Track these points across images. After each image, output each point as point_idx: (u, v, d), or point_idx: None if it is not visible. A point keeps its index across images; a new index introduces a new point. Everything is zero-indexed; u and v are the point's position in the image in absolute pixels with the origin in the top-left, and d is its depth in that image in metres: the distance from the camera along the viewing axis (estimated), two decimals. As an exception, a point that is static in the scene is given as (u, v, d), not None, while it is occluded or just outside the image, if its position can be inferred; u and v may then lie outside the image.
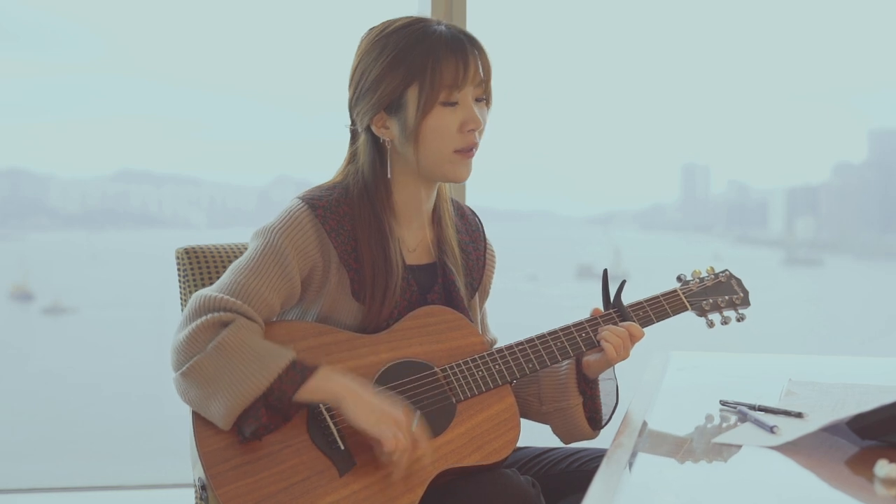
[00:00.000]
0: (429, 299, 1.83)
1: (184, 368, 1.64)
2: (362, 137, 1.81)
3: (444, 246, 1.87)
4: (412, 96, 1.74)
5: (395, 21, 1.79)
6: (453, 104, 1.75)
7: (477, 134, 1.78)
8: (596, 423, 1.89)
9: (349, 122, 1.84)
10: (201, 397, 1.63)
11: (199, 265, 2.00)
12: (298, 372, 1.63)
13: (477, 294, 1.93)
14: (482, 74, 1.77)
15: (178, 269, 2.02)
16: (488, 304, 2.01)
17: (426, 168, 1.78)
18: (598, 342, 1.82)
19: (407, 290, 1.80)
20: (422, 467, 1.68)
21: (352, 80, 1.81)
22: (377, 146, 1.80)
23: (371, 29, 1.81)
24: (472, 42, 1.77)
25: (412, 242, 1.85)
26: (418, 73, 1.73)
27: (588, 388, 1.88)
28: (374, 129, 1.79)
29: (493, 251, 1.99)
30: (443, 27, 1.77)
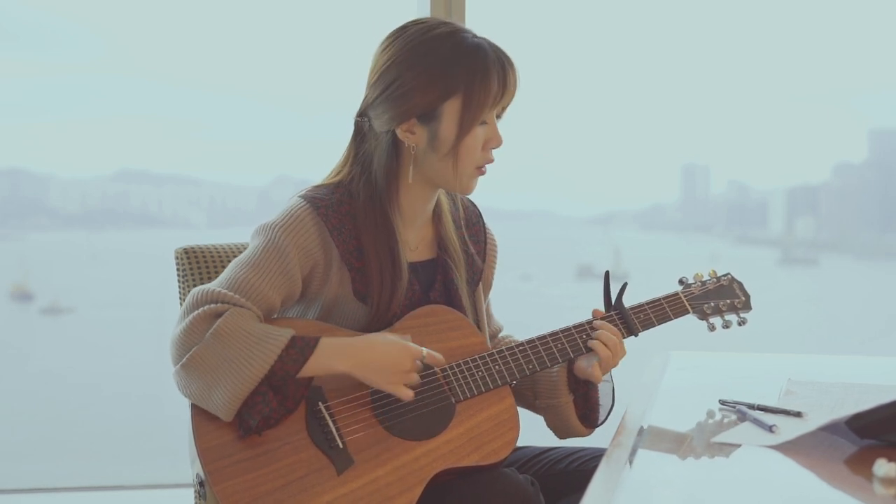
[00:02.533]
0: (430, 297, 1.84)
1: (183, 360, 1.64)
2: (382, 139, 1.78)
3: (445, 243, 1.87)
4: (449, 109, 1.72)
5: (434, 26, 1.76)
6: (483, 123, 1.76)
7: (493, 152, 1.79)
8: (590, 421, 1.90)
9: (360, 116, 1.81)
10: (203, 388, 1.63)
11: (198, 265, 2.00)
12: (299, 349, 1.64)
13: (480, 285, 1.93)
14: (514, 94, 1.78)
15: (178, 269, 2.02)
16: (493, 299, 2.02)
17: (443, 178, 1.78)
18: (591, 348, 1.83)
19: (409, 290, 1.80)
20: (420, 467, 1.69)
21: (378, 80, 1.76)
22: (397, 149, 1.78)
23: (403, 29, 1.77)
24: (510, 62, 1.76)
25: (414, 241, 1.86)
26: (462, 88, 1.71)
27: (580, 386, 1.88)
28: (398, 133, 1.76)
29: (493, 240, 1.98)
30: (480, 41, 1.75)
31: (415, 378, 1.69)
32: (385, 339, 1.70)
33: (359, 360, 1.66)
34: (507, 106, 1.79)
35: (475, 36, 1.76)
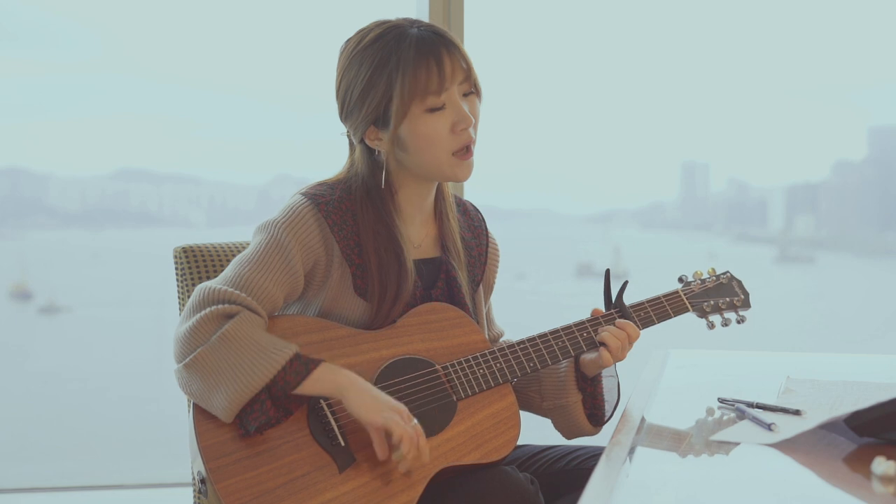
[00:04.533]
0: (432, 295, 1.84)
1: (187, 360, 1.64)
2: (358, 149, 1.82)
3: (447, 241, 1.88)
4: (396, 109, 1.73)
5: (368, 32, 1.77)
6: (439, 108, 1.75)
7: (471, 130, 1.78)
8: (597, 419, 1.90)
9: (344, 131, 1.85)
10: (204, 389, 1.63)
11: (196, 264, 2.00)
12: (302, 364, 1.64)
13: (481, 288, 1.93)
14: (463, 70, 1.75)
15: (177, 268, 2.02)
16: (494, 300, 2.02)
17: (426, 172, 1.78)
18: (598, 343, 1.83)
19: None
20: (422, 464, 1.69)
21: (337, 94, 1.81)
22: (373, 157, 1.81)
23: (347, 42, 1.80)
24: (444, 41, 1.75)
25: (417, 238, 1.86)
26: (395, 85, 1.72)
27: (588, 385, 1.88)
28: (367, 141, 1.79)
29: (496, 245, 1.99)
30: (415, 30, 1.75)
31: (408, 425, 1.63)
32: (387, 392, 1.70)
33: (356, 386, 1.65)
34: (467, 82, 1.76)
35: (411, 26, 1.75)
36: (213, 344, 1.64)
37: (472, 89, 1.78)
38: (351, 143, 1.85)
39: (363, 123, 1.77)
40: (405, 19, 1.78)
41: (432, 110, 1.74)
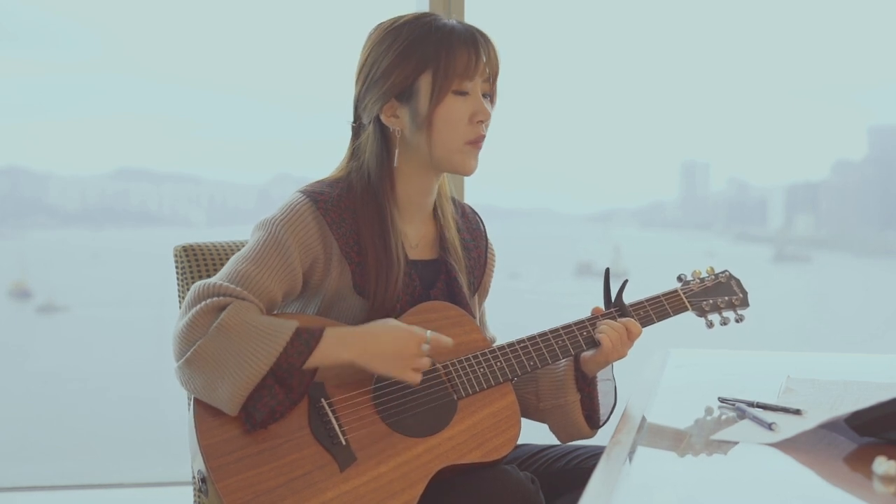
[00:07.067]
0: (432, 295, 1.84)
1: (187, 355, 1.64)
2: (369, 129, 1.81)
3: (446, 243, 1.88)
4: (425, 84, 1.75)
5: (404, 15, 1.81)
6: (464, 94, 1.77)
7: (483, 126, 1.79)
8: (593, 422, 1.90)
9: (353, 119, 1.85)
10: (207, 382, 1.63)
11: (196, 263, 2.00)
12: (304, 341, 1.64)
13: (477, 293, 1.93)
14: (491, 69, 1.79)
15: (177, 267, 2.02)
16: (487, 303, 2.01)
17: (436, 157, 1.78)
18: (596, 337, 1.83)
19: (409, 285, 1.80)
20: (423, 463, 1.69)
21: (360, 72, 1.81)
22: (385, 136, 1.81)
23: (380, 23, 1.82)
24: (484, 36, 1.80)
25: (414, 238, 1.86)
26: (432, 60, 1.75)
27: (586, 385, 1.88)
28: (383, 118, 1.79)
29: (493, 251, 1.99)
30: (454, 21, 1.80)
31: (422, 362, 1.69)
32: (388, 325, 1.70)
33: (363, 349, 1.67)
34: (490, 81, 1.80)
35: (448, 19, 1.81)
36: (212, 335, 1.64)
37: (490, 92, 1.81)
38: (355, 133, 1.85)
39: (384, 96, 1.77)
40: (441, 14, 1.84)
41: (458, 93, 1.76)
